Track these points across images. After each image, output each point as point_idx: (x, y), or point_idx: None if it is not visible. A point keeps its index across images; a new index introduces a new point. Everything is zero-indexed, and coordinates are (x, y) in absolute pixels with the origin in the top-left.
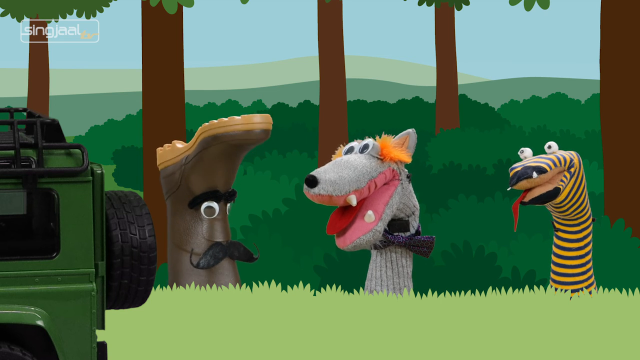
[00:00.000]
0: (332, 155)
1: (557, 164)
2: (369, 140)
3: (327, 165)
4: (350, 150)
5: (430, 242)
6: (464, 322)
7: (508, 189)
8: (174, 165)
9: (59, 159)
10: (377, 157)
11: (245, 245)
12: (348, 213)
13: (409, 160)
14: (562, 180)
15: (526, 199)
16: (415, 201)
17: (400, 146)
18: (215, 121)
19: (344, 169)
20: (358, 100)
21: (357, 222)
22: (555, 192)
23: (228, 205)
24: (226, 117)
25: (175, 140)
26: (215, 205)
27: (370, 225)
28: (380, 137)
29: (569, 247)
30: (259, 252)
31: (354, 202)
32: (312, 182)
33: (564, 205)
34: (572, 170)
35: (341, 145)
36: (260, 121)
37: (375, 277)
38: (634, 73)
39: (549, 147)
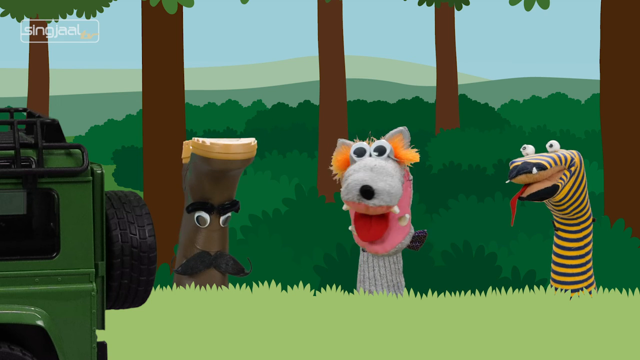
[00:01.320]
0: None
1: (558, 162)
2: (383, 142)
3: (365, 173)
4: (362, 151)
5: (423, 236)
6: (464, 322)
7: (507, 182)
8: (185, 164)
9: (59, 159)
10: (394, 160)
11: (240, 258)
12: (379, 218)
13: (418, 159)
14: (561, 178)
15: (524, 194)
16: None
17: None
18: (199, 141)
19: (386, 176)
20: (358, 100)
21: (394, 227)
22: (554, 189)
23: (224, 217)
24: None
25: (191, 141)
26: (206, 216)
27: (406, 228)
28: (380, 138)
29: (569, 246)
30: (251, 268)
31: (398, 210)
32: (370, 193)
33: (563, 204)
34: (573, 169)
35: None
36: (239, 151)
37: (369, 278)
38: (634, 73)
39: (551, 145)
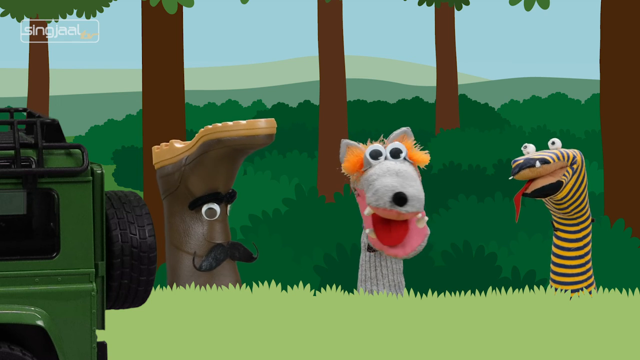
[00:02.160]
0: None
1: (561, 157)
2: (398, 145)
3: (392, 178)
4: (378, 154)
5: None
6: (464, 322)
7: (510, 178)
8: (173, 165)
9: (59, 159)
10: (409, 162)
11: (244, 245)
12: (398, 221)
13: (429, 160)
14: (564, 175)
15: (529, 190)
16: None
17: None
18: (219, 124)
19: (413, 181)
20: (358, 100)
21: (414, 229)
22: (558, 184)
23: (228, 206)
24: (227, 118)
25: (174, 140)
26: (216, 207)
27: (424, 230)
28: (383, 139)
29: (568, 247)
30: (258, 252)
31: (421, 215)
32: (403, 200)
33: (564, 202)
34: (575, 166)
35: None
36: (264, 126)
37: (371, 278)
38: (634, 73)
39: (553, 143)
